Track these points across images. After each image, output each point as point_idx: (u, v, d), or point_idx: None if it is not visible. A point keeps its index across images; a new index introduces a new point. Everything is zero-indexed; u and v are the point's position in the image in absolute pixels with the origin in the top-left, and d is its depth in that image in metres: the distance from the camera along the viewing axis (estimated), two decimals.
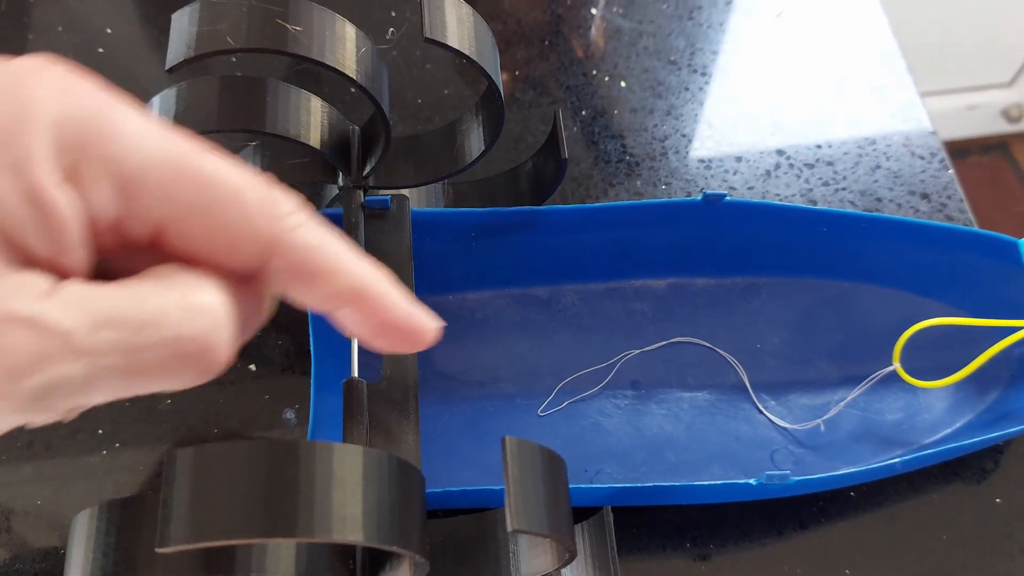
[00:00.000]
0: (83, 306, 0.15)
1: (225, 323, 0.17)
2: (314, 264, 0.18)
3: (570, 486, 0.27)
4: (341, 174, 0.31)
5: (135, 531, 0.21)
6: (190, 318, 0.16)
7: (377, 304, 0.19)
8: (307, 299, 0.19)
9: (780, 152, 0.39)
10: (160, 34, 0.43)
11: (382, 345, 0.20)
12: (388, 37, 0.42)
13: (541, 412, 0.33)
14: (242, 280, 0.19)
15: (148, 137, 0.17)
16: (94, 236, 0.17)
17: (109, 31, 0.43)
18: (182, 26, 0.25)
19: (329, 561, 0.23)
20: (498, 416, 0.32)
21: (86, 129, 0.16)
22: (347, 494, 0.18)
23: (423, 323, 0.20)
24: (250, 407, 0.33)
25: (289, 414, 0.33)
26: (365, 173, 0.30)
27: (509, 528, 0.19)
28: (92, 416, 0.33)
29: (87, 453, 0.32)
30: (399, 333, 0.20)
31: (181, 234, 0.17)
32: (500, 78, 0.28)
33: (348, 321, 0.19)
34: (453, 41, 0.26)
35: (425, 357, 0.33)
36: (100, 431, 0.33)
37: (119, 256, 0.18)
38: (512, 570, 0.23)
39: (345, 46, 0.26)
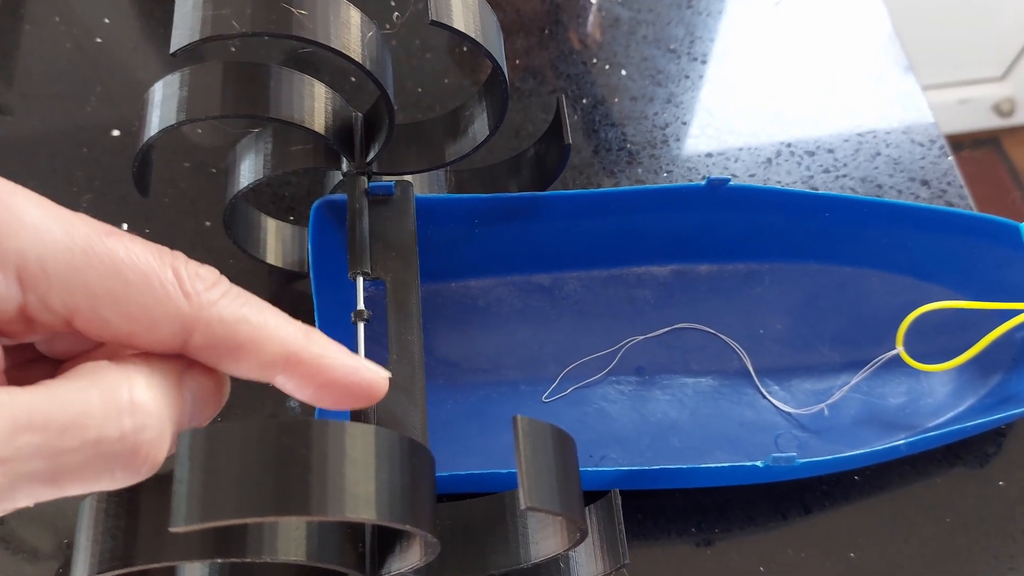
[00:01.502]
0: (0, 412, 0.15)
1: (154, 421, 0.17)
2: (237, 337, 0.18)
3: (582, 469, 0.27)
4: (345, 160, 0.30)
5: (144, 513, 0.21)
6: (114, 418, 0.16)
7: (312, 367, 0.19)
8: (238, 372, 0.19)
9: (781, 140, 0.40)
10: (158, 25, 0.43)
11: (330, 404, 0.20)
12: (394, 20, 0.42)
13: (545, 398, 0.33)
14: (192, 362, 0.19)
15: (50, 227, 0.17)
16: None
17: (107, 21, 0.43)
18: (186, 10, 0.25)
19: (339, 543, 0.23)
20: (502, 403, 0.32)
21: None
22: (359, 472, 0.18)
23: (368, 377, 0.19)
24: (254, 396, 0.33)
25: (293, 402, 0.33)
26: (369, 159, 0.30)
27: (523, 506, 0.19)
28: None
29: None
30: (344, 391, 0.19)
31: (93, 319, 0.17)
32: (505, 62, 0.28)
33: (287, 387, 0.19)
34: (459, 24, 0.26)
35: (428, 345, 0.33)
36: None
37: (44, 339, 0.18)
38: (522, 552, 0.23)
39: (350, 31, 0.26)
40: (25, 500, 0.16)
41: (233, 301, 0.18)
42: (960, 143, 1.18)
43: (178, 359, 0.18)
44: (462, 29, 0.26)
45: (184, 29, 0.25)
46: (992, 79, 1.13)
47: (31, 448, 0.15)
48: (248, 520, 0.17)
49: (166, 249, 0.18)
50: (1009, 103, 1.14)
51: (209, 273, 0.18)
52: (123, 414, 0.16)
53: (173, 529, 0.17)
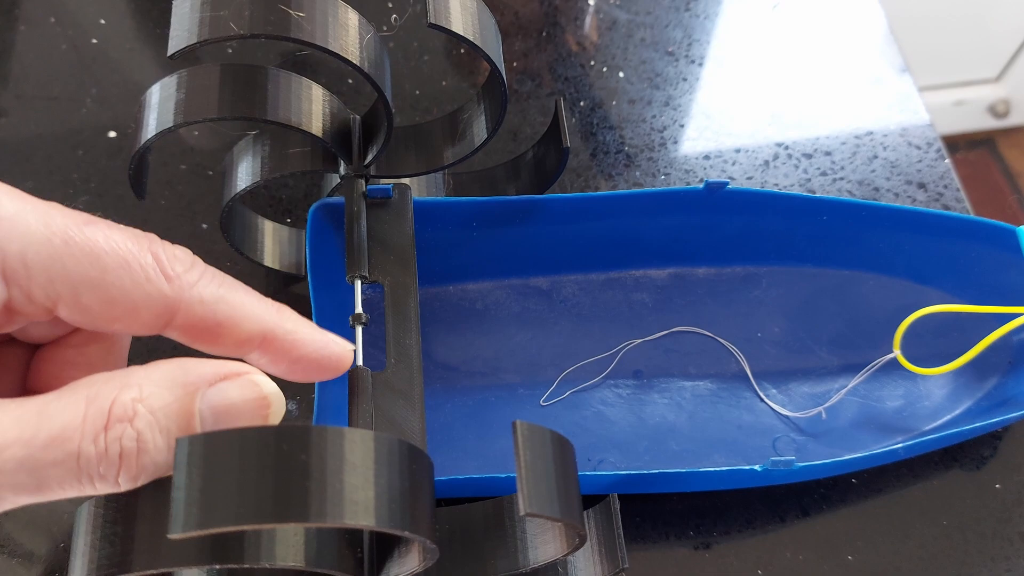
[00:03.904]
0: None
1: (144, 431, 0.17)
2: (215, 318, 0.18)
3: (580, 473, 0.27)
4: (342, 163, 0.30)
5: (142, 519, 0.21)
6: (97, 431, 0.16)
7: (286, 344, 0.19)
8: (215, 351, 0.19)
9: (778, 142, 0.40)
10: (155, 26, 0.43)
11: (301, 378, 0.20)
12: (392, 22, 0.42)
13: (543, 402, 0.33)
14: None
15: (26, 219, 0.17)
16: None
17: (103, 22, 0.43)
18: (183, 12, 0.25)
19: (337, 548, 0.22)
20: (500, 406, 0.32)
21: None
22: (359, 478, 0.18)
23: (336, 351, 0.20)
24: None
25: (291, 405, 0.33)
26: (367, 162, 0.30)
27: (522, 512, 0.19)
28: None
29: None
30: (314, 364, 0.20)
31: (76, 307, 0.17)
32: (503, 65, 0.28)
33: (260, 363, 0.19)
34: (457, 27, 0.26)
35: (426, 348, 0.33)
36: None
37: (28, 326, 0.18)
38: (521, 557, 0.23)
39: (348, 33, 0.26)
40: (11, 506, 0.16)
41: (211, 282, 0.19)
42: (955, 144, 1.19)
43: (182, 364, 0.18)
44: (460, 32, 0.26)
45: (182, 31, 0.25)
46: (987, 80, 1.13)
47: (15, 462, 0.16)
48: (247, 527, 0.17)
49: (142, 233, 0.18)
50: (1004, 104, 1.14)
51: (185, 255, 0.19)
52: (106, 427, 0.16)
53: (172, 536, 0.17)
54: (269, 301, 0.20)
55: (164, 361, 0.18)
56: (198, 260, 0.19)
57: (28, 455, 0.16)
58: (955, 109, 1.14)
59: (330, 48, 0.25)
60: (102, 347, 0.21)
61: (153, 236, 0.19)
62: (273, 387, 0.19)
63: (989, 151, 1.21)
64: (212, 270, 0.19)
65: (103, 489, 0.17)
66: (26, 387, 0.20)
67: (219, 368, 0.18)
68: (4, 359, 0.20)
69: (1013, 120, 1.16)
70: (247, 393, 0.18)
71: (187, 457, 0.17)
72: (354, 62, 0.26)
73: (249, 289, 0.20)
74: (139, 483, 0.18)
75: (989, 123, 1.16)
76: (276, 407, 0.19)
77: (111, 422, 0.17)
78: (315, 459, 0.18)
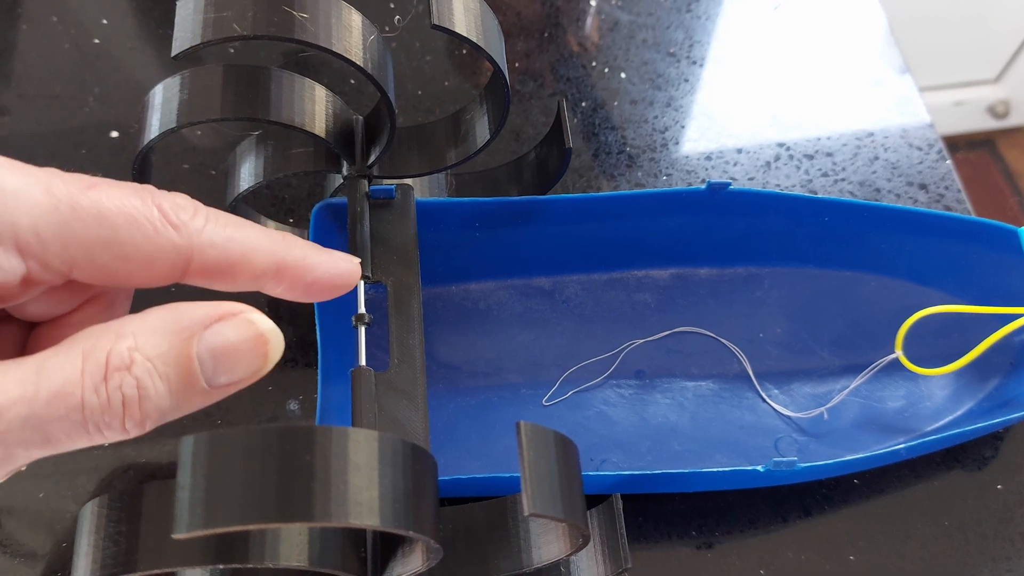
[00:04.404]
0: None
1: (142, 378, 0.17)
2: (228, 258, 0.19)
3: (584, 474, 0.27)
4: (345, 163, 0.30)
5: (146, 519, 0.21)
6: (97, 382, 0.16)
7: (298, 270, 0.20)
8: (233, 288, 0.19)
9: (780, 143, 0.40)
10: (157, 26, 0.43)
11: (317, 297, 0.21)
12: (395, 23, 0.42)
13: (546, 402, 0.33)
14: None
15: (31, 192, 0.17)
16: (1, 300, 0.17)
17: (105, 22, 0.43)
18: (187, 13, 0.25)
19: (341, 547, 0.23)
20: (503, 406, 0.32)
21: None
22: (363, 479, 0.18)
23: (345, 267, 0.21)
24: (253, 399, 0.33)
25: (293, 405, 0.33)
26: (370, 162, 0.30)
27: (526, 512, 0.19)
28: None
29: (86, 448, 0.32)
30: (328, 284, 0.20)
31: (91, 269, 0.18)
32: (506, 65, 0.28)
33: (277, 292, 0.20)
34: (460, 28, 0.26)
35: (428, 348, 0.33)
36: None
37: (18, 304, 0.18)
38: (524, 556, 0.23)
39: (352, 34, 0.26)
40: (25, 461, 0.17)
41: (217, 223, 0.19)
42: (955, 145, 1.19)
43: (177, 310, 0.18)
44: (464, 33, 0.26)
45: (185, 32, 0.25)
46: (987, 81, 1.13)
47: (20, 421, 0.16)
48: (251, 527, 0.17)
49: (141, 186, 0.19)
50: (1004, 105, 1.14)
51: (187, 201, 0.19)
52: (105, 377, 0.17)
53: (176, 536, 0.17)
54: (274, 231, 0.20)
55: (157, 308, 0.18)
56: (200, 205, 0.19)
57: (32, 412, 0.16)
58: (955, 110, 1.14)
59: (334, 49, 0.25)
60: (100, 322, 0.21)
61: (152, 188, 0.19)
62: (269, 324, 0.19)
63: (989, 152, 1.21)
64: (215, 212, 0.19)
65: (112, 437, 0.17)
66: None
67: (213, 310, 0.18)
68: (1, 336, 0.20)
69: (1013, 121, 1.16)
70: (244, 332, 0.18)
71: (191, 456, 0.17)
72: (358, 63, 0.26)
73: (253, 224, 0.20)
74: (147, 428, 0.18)
75: (989, 124, 1.17)
76: (274, 343, 0.19)
77: (109, 372, 0.17)
78: (319, 459, 0.18)
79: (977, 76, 1.13)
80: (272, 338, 0.19)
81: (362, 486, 0.18)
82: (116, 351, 0.17)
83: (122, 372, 0.17)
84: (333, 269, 0.21)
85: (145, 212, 0.18)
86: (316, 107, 0.29)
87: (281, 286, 0.20)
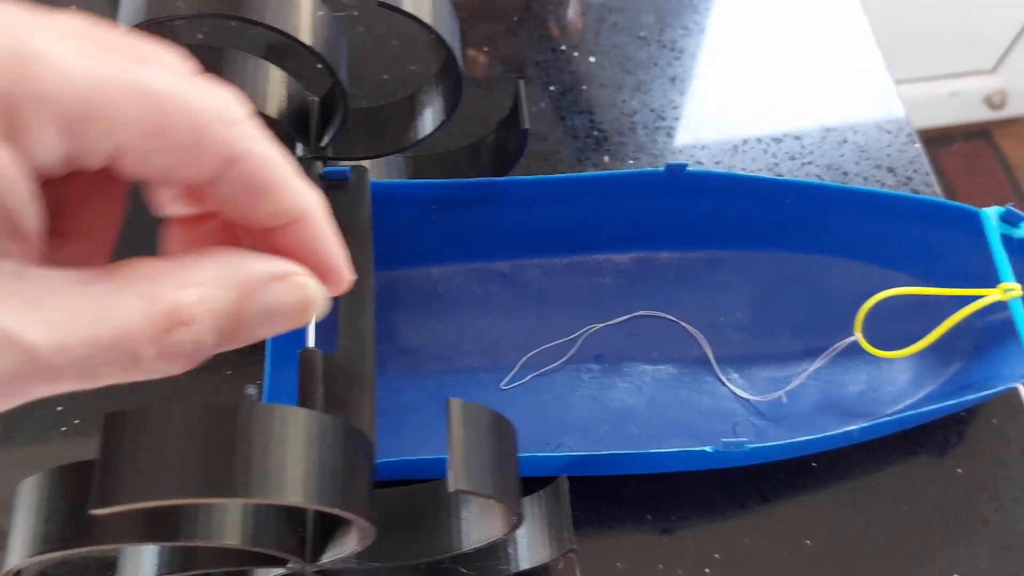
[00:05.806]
0: (51, 320, 0.15)
1: (198, 326, 0.16)
2: (266, 178, 0.17)
3: (529, 455, 0.27)
4: (300, 145, 0.30)
5: (79, 497, 0.21)
6: (154, 333, 0.16)
7: (314, 231, 0.19)
8: (249, 215, 0.18)
9: (748, 127, 0.39)
10: None
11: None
12: (345, 2, 0.42)
13: (504, 386, 0.32)
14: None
15: (79, 60, 0.15)
16: (43, 187, 0.16)
17: (74, 8, 0.43)
18: None
19: (278, 528, 0.22)
20: (461, 390, 0.32)
21: (10, 71, 0.14)
22: (287, 455, 0.18)
23: (343, 268, 0.19)
24: (212, 383, 0.33)
25: (251, 390, 0.33)
26: (323, 143, 0.30)
27: (451, 488, 0.19)
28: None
29: (46, 429, 0.32)
30: (321, 268, 0.19)
31: (135, 157, 0.16)
32: (459, 45, 0.28)
33: (279, 242, 0.19)
34: (407, 5, 0.26)
35: (387, 332, 0.33)
36: (59, 408, 0.32)
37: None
38: (463, 537, 0.23)
39: (300, 11, 0.26)
40: (64, 390, 0.16)
41: (264, 140, 0.17)
42: (951, 136, 1.18)
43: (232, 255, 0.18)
44: (411, 11, 0.26)
45: (129, 12, 0.25)
46: (983, 71, 1.13)
47: (80, 360, 0.15)
48: (172, 502, 0.17)
49: (195, 72, 0.17)
50: (1000, 95, 1.13)
51: (242, 103, 0.17)
52: (165, 328, 0.16)
53: (92, 511, 0.17)
54: (311, 182, 0.19)
55: (219, 253, 0.18)
56: (252, 113, 0.18)
57: (91, 355, 0.15)
58: (951, 100, 1.14)
59: (279, 27, 0.25)
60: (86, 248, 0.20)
61: (202, 73, 0.17)
62: (318, 289, 0.18)
63: (985, 142, 1.20)
64: (264, 131, 0.18)
65: (149, 377, 0.17)
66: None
67: (273, 267, 0.18)
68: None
69: (1009, 111, 1.16)
70: (297, 295, 0.18)
71: (112, 432, 0.17)
72: (305, 41, 0.26)
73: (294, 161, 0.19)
74: (183, 371, 0.17)
75: (985, 114, 1.16)
76: (320, 310, 0.19)
77: (173, 325, 0.16)
78: (241, 435, 0.18)
79: (973, 67, 1.12)
80: (319, 304, 0.19)
81: (286, 463, 0.18)
82: (182, 304, 0.16)
83: (186, 326, 0.16)
84: (335, 256, 0.19)
85: (199, 99, 0.16)
86: (269, 87, 0.29)
87: (290, 237, 0.18)
